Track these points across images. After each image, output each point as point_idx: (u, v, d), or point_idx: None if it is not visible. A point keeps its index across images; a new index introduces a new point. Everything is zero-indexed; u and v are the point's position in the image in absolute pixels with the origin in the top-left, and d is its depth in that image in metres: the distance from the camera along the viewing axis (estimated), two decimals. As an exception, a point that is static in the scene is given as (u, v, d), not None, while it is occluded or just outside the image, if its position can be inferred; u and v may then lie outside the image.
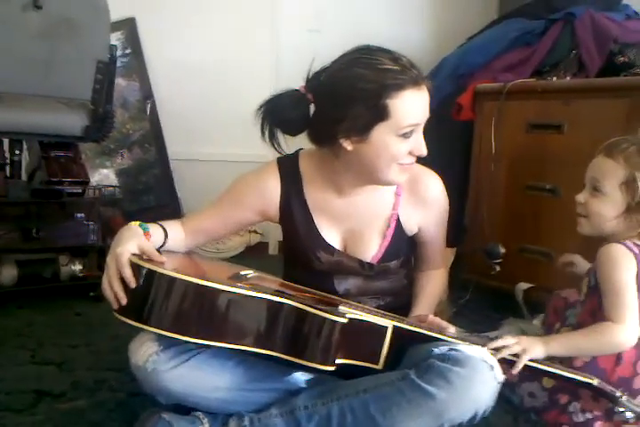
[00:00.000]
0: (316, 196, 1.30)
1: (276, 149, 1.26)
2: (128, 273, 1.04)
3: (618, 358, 1.19)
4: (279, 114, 1.21)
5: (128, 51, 2.87)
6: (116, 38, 2.73)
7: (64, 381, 1.46)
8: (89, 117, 2.15)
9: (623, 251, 1.19)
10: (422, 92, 1.14)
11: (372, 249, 1.28)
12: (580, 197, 1.27)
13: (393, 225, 1.29)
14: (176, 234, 1.27)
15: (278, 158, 1.34)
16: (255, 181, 1.31)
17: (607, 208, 1.22)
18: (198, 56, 2.90)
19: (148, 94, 2.89)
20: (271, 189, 1.30)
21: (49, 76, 2.04)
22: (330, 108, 1.16)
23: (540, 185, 1.94)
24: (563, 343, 1.17)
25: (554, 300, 1.44)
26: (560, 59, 2.16)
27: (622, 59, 2.01)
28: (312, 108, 1.21)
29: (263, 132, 1.23)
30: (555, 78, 2.02)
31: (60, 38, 2.01)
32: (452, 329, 1.18)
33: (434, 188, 1.31)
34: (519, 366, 1.10)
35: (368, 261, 1.28)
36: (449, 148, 2.41)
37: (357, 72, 1.12)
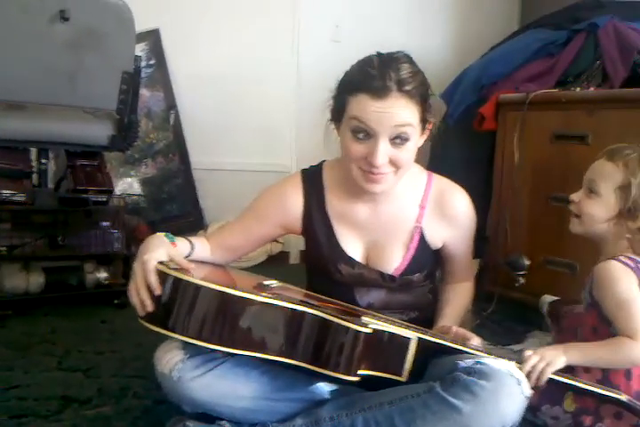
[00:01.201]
0: (338, 206, 1.30)
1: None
2: (154, 280, 1.05)
3: (627, 372, 1.19)
4: None
5: (152, 62, 2.91)
6: (140, 49, 2.76)
7: (90, 387, 1.48)
8: (114, 127, 2.19)
9: (620, 267, 1.19)
10: (382, 104, 1.12)
11: (394, 261, 1.28)
12: (575, 196, 1.31)
13: (416, 238, 1.29)
14: (202, 248, 1.29)
15: (302, 170, 1.36)
16: (277, 195, 1.33)
17: (599, 210, 1.25)
18: (221, 67, 2.93)
19: (171, 104, 2.92)
20: (293, 202, 1.31)
21: (75, 86, 2.07)
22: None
23: (565, 196, 1.91)
24: (582, 352, 1.17)
25: (569, 319, 1.42)
26: (583, 69, 2.15)
27: (647, 69, 2.00)
28: None
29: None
30: (578, 89, 2.01)
31: (87, 49, 2.04)
32: (476, 340, 1.17)
33: (460, 204, 1.30)
34: (543, 378, 1.10)
35: (390, 273, 1.28)
36: (471, 157, 2.41)
37: (352, 66, 1.20)
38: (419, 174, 1.32)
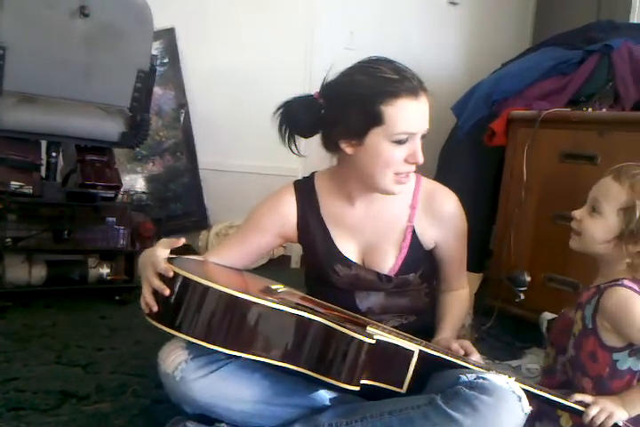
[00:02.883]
0: (332, 210, 1.32)
1: (292, 151, 1.29)
2: (163, 267, 1.06)
3: None
4: (292, 117, 1.26)
5: (166, 60, 2.92)
6: (154, 48, 2.77)
7: (89, 383, 1.48)
8: (126, 124, 2.20)
9: (632, 295, 1.14)
10: (419, 103, 1.16)
11: (388, 261, 1.29)
12: (577, 213, 1.26)
13: (409, 237, 1.30)
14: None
15: (295, 181, 1.38)
16: (273, 204, 1.34)
17: (600, 230, 1.20)
18: (233, 69, 2.94)
19: (182, 103, 2.94)
20: (288, 210, 1.33)
21: (90, 82, 2.09)
22: (330, 111, 1.21)
23: (570, 215, 1.93)
24: (636, 403, 1.12)
25: (561, 320, 1.40)
26: (596, 90, 2.16)
27: (659, 92, 2.01)
28: None
29: (281, 135, 1.27)
30: (590, 109, 2.02)
31: (104, 46, 2.06)
32: (476, 356, 1.18)
33: (449, 204, 1.32)
34: None
35: (385, 273, 1.29)
36: (479, 171, 2.42)
37: (357, 78, 1.18)
38: None
